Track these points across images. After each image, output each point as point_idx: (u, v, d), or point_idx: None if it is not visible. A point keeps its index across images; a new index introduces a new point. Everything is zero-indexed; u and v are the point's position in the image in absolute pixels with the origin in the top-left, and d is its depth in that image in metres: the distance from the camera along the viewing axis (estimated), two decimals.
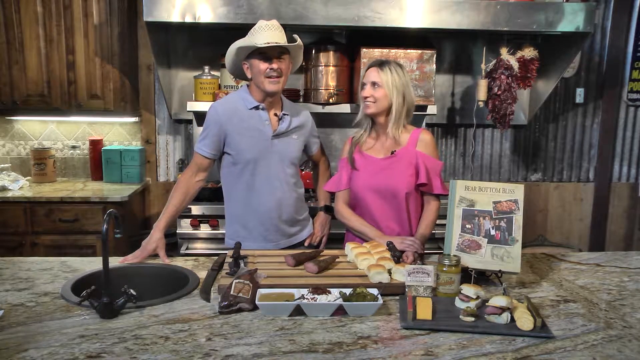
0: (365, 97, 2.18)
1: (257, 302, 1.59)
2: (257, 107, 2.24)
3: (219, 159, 2.32)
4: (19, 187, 3.47)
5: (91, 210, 3.28)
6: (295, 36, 2.23)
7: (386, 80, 2.14)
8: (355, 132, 2.34)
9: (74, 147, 3.84)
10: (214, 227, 3.12)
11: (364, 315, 1.59)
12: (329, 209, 2.49)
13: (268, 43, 2.10)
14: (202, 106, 3.29)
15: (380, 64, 2.18)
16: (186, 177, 2.27)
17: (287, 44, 2.15)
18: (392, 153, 2.21)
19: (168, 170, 3.90)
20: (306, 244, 2.41)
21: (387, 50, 3.16)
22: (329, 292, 1.62)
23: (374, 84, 2.16)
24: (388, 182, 2.18)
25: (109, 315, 1.55)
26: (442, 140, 3.97)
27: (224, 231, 3.08)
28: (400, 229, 2.21)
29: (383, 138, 2.24)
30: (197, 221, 3.12)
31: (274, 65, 2.13)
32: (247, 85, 2.29)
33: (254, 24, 2.18)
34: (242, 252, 1.99)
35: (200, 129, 3.56)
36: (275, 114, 2.27)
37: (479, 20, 3.04)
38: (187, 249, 3.13)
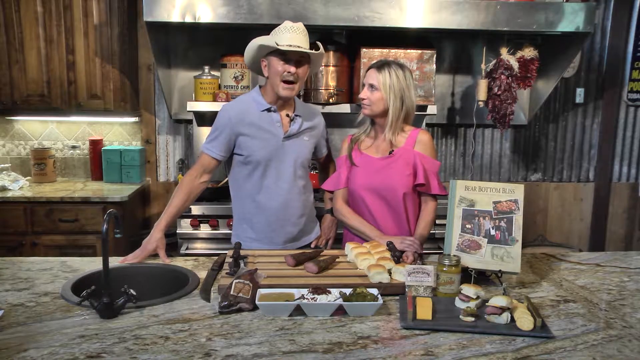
0: (362, 99, 2.18)
1: (257, 302, 1.59)
2: (268, 110, 2.24)
3: (226, 159, 2.32)
4: (19, 187, 3.47)
5: (91, 210, 3.28)
6: (319, 43, 2.21)
7: (383, 83, 2.13)
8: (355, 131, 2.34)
9: (74, 147, 3.84)
10: (214, 227, 3.13)
11: (364, 315, 1.59)
12: None
13: (290, 46, 2.09)
14: (202, 106, 3.29)
15: (380, 65, 2.17)
16: (190, 178, 2.25)
17: (309, 50, 2.13)
18: (390, 153, 2.21)
19: (168, 170, 3.90)
20: (312, 245, 2.40)
21: (387, 50, 3.15)
22: (329, 292, 1.62)
23: (371, 86, 2.16)
24: (386, 182, 2.18)
25: (109, 315, 1.55)
26: (442, 140, 3.97)
27: (224, 231, 3.10)
28: (397, 229, 2.21)
29: (381, 138, 2.24)
30: (197, 221, 3.12)
31: (292, 69, 2.12)
32: (260, 87, 2.29)
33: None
34: (242, 252, 1.99)
35: (201, 129, 3.59)
36: (287, 115, 2.26)
37: (479, 20, 3.04)
38: (187, 249, 3.13)
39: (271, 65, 2.16)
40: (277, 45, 2.10)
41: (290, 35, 2.11)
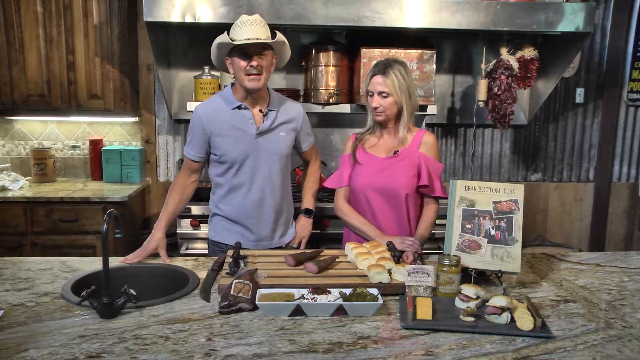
0: (375, 108, 2.16)
1: (257, 302, 1.59)
2: (239, 107, 2.22)
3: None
4: (19, 187, 3.47)
5: (91, 210, 3.29)
6: (277, 32, 2.17)
7: (393, 87, 2.12)
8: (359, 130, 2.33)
9: (74, 147, 3.84)
10: None
11: (364, 315, 1.59)
12: (309, 212, 2.47)
13: (248, 39, 2.07)
14: None
15: (384, 70, 2.14)
16: (180, 179, 2.29)
17: (266, 40, 2.10)
18: (395, 153, 2.21)
19: (168, 170, 3.90)
20: (286, 246, 2.37)
21: (387, 50, 3.15)
22: (329, 292, 1.62)
23: (380, 93, 2.14)
24: (389, 182, 2.18)
25: (109, 315, 1.55)
26: (442, 140, 3.96)
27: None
28: (398, 229, 2.21)
29: (386, 137, 2.24)
30: (197, 221, 3.12)
31: (254, 63, 2.10)
32: (232, 85, 2.28)
33: None
34: (242, 252, 1.99)
35: None
36: (260, 110, 2.24)
37: (479, 20, 3.04)
38: (187, 249, 3.13)
39: (234, 63, 2.15)
40: (234, 41, 2.08)
41: (247, 29, 2.09)
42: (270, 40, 2.12)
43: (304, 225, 2.45)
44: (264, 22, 2.14)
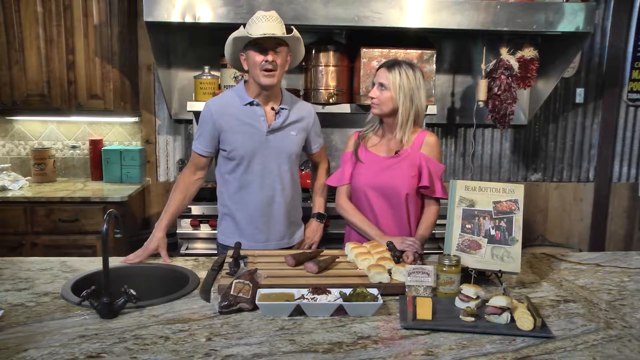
0: (372, 98, 2.18)
1: (257, 302, 1.59)
2: (251, 103, 2.21)
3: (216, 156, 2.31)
4: (19, 187, 3.47)
5: (91, 210, 3.29)
6: (292, 28, 2.18)
7: (393, 82, 2.12)
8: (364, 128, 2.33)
9: (74, 147, 3.84)
10: (214, 227, 3.12)
11: (364, 315, 1.59)
12: (321, 216, 2.45)
13: (264, 34, 2.07)
14: (202, 106, 3.26)
15: (391, 65, 2.15)
16: (185, 176, 2.27)
17: (283, 35, 2.11)
18: (396, 153, 2.21)
19: (168, 170, 3.90)
20: (294, 247, 2.36)
21: (387, 50, 3.15)
22: (329, 292, 1.62)
23: (381, 85, 2.15)
24: (390, 182, 2.18)
25: (109, 315, 1.55)
26: (442, 140, 3.96)
27: None
28: (398, 230, 2.21)
29: (388, 137, 2.24)
30: (197, 221, 3.12)
31: (269, 58, 2.09)
32: (245, 81, 2.27)
33: None
34: (242, 252, 1.99)
35: None
36: (272, 108, 2.23)
37: (479, 20, 3.04)
38: (187, 249, 3.13)
39: (249, 58, 2.14)
40: (250, 35, 2.08)
41: (264, 24, 2.08)
42: (287, 36, 2.12)
43: (316, 230, 2.44)
44: (280, 19, 2.14)
